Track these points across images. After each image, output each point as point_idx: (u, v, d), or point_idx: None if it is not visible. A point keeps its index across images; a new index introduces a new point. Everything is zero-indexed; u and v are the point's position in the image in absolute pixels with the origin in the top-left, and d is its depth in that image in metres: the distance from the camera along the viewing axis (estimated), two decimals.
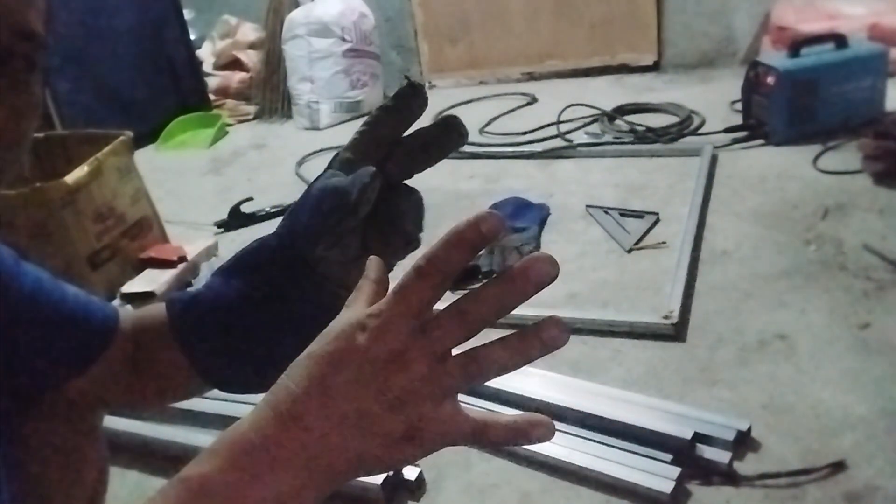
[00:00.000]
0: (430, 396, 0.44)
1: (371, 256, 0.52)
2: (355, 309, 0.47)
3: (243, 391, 0.71)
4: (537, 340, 0.45)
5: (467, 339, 0.45)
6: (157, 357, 0.70)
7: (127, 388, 0.72)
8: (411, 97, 0.60)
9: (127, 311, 0.73)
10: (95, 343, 0.68)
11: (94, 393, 0.69)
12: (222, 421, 1.49)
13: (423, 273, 0.44)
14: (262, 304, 0.65)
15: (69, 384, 0.67)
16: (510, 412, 1.03)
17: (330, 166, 0.63)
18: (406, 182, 0.62)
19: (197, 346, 0.67)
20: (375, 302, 0.47)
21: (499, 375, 0.45)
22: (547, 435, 0.46)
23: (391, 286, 0.48)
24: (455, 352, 0.46)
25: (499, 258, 1.94)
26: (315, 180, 0.62)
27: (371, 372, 0.44)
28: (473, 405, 1.34)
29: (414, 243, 0.64)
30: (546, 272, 0.44)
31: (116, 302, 1.99)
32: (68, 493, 0.67)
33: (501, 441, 0.47)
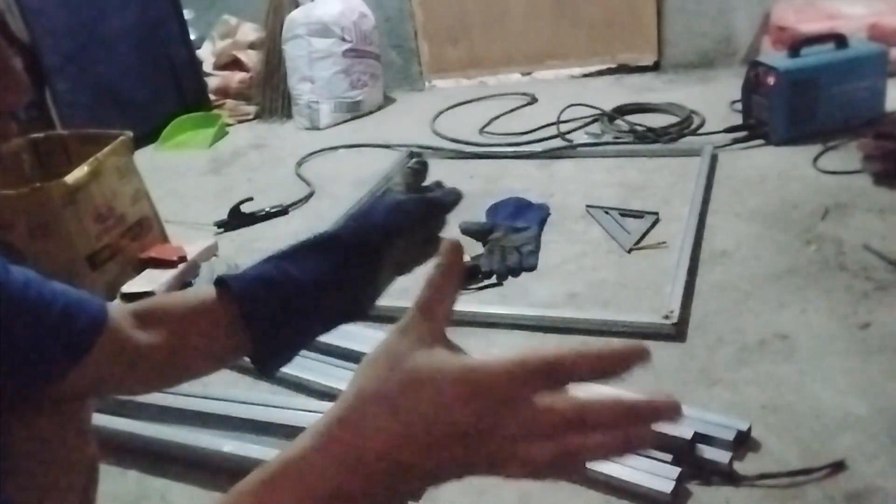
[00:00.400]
0: (495, 470, 0.45)
1: (453, 240, 0.50)
2: (453, 358, 0.45)
3: (273, 371, 0.76)
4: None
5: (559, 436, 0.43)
6: (193, 331, 0.72)
7: (120, 379, 0.73)
8: (424, 170, 0.83)
9: (120, 305, 0.74)
10: (83, 337, 0.69)
11: (84, 385, 0.69)
12: (223, 421, 1.49)
13: (549, 371, 0.43)
14: (327, 286, 0.71)
15: (60, 379, 0.68)
16: None
17: (385, 192, 0.81)
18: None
19: (260, 321, 0.70)
20: (446, 299, 0.47)
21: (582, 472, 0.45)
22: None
23: None
24: None
25: (498, 258, 1.94)
26: (381, 196, 0.78)
27: (458, 437, 0.43)
28: None
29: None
30: (671, 418, 0.42)
31: (116, 302, 1.99)
32: (59, 490, 0.67)
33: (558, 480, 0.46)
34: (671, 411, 0.42)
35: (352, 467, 0.44)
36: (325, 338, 0.78)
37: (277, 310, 0.71)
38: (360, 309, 0.76)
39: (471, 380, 0.43)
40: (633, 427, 0.42)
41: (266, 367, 0.74)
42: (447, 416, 0.43)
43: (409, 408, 0.43)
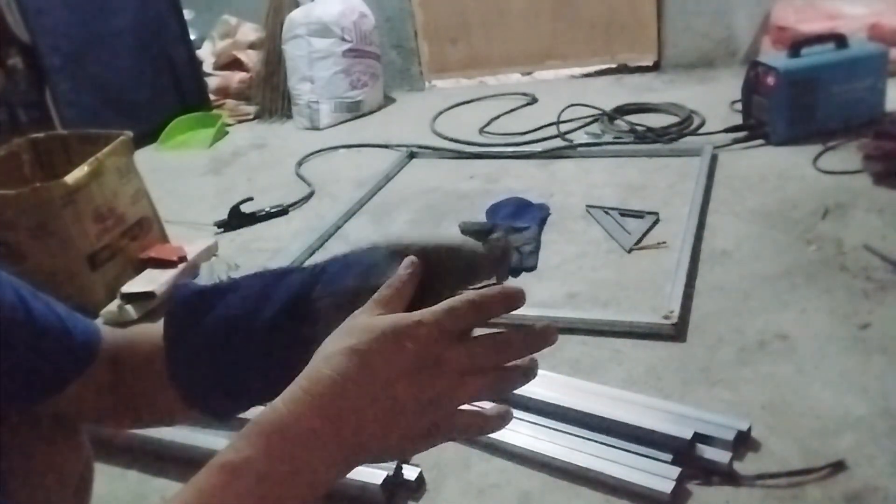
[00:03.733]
0: (457, 402, 0.52)
1: (411, 258, 0.58)
2: (398, 314, 0.53)
3: (216, 413, 0.71)
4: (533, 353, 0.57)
5: (497, 364, 0.54)
6: (144, 382, 0.69)
7: (104, 410, 0.71)
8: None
9: (112, 331, 0.72)
10: (74, 362, 0.67)
11: (72, 410, 0.68)
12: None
13: (477, 307, 0.53)
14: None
15: (45, 402, 0.67)
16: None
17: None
18: None
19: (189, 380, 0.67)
20: (401, 299, 0.55)
21: (511, 391, 0.56)
22: (510, 417, 0.57)
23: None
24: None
25: None
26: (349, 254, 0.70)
27: (413, 375, 0.50)
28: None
29: None
30: (554, 340, 0.56)
31: (116, 302, 1.99)
32: (53, 489, 0.67)
33: (495, 431, 0.56)
34: (551, 333, 0.56)
35: (327, 411, 0.50)
36: None
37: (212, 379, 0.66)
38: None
39: (422, 321, 0.51)
40: (533, 346, 0.56)
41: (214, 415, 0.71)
42: (401, 358, 0.50)
43: (368, 351, 0.50)
